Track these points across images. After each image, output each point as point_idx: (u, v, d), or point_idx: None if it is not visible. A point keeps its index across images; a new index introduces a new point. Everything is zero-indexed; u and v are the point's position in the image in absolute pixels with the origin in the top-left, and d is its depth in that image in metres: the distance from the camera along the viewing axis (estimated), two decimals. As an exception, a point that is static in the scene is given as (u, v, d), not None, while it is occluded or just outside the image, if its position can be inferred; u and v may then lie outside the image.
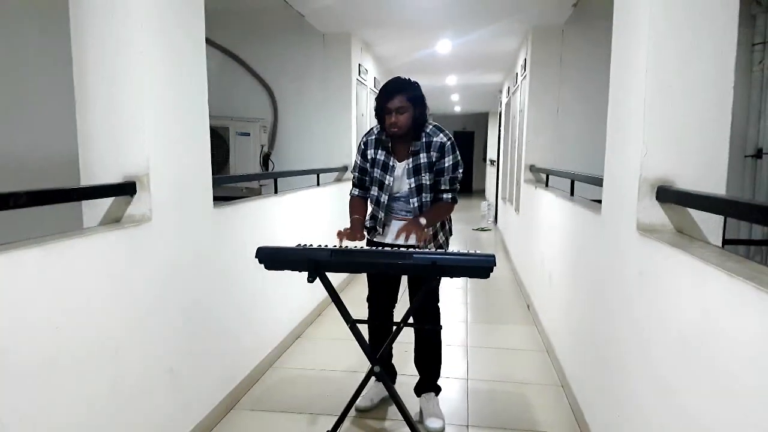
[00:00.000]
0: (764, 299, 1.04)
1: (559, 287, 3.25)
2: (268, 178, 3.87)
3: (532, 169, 5.00)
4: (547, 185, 4.27)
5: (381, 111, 2.41)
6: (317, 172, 4.39)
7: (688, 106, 1.73)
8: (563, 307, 3.15)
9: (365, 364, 3.15)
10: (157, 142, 2.02)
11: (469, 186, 17.18)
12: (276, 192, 3.51)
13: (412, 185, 2.47)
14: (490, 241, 8.32)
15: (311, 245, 2.12)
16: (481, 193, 15.91)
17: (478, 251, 2.01)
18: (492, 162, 12.02)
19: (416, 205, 2.48)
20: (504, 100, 8.41)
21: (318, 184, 4.36)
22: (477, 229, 9.29)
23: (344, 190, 5.12)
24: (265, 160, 5.50)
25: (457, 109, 13.87)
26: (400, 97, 2.35)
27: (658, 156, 1.77)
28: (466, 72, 7.86)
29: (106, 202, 1.96)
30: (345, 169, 5.24)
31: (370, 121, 6.45)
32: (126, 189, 1.91)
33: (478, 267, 1.93)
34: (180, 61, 2.18)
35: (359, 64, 5.56)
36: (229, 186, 4.53)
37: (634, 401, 1.77)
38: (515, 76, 6.42)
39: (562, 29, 4.85)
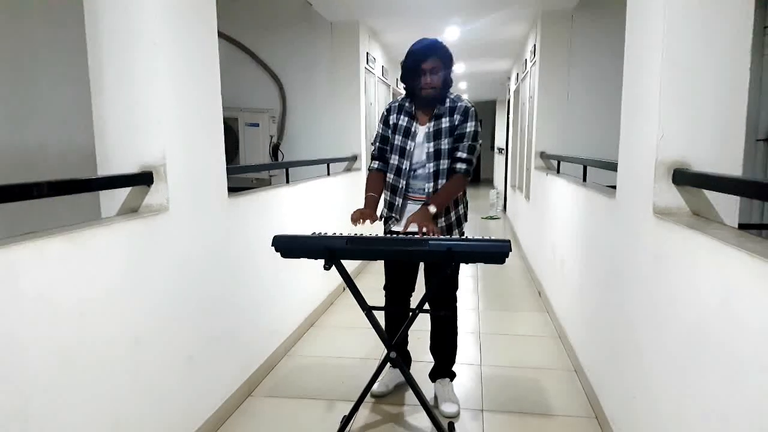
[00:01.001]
0: (786, 278, 1.04)
1: (572, 273, 3.26)
2: (279, 168, 3.89)
3: (543, 155, 4.98)
4: (558, 172, 4.26)
5: (413, 72, 2.40)
6: (327, 161, 4.39)
7: (704, 89, 1.72)
8: (575, 293, 3.15)
9: (379, 352, 3.19)
10: (173, 132, 2.04)
11: (477, 175, 17.13)
12: (288, 182, 3.53)
13: (430, 150, 2.45)
14: (499, 230, 8.31)
15: (326, 233, 2.13)
16: (489, 182, 15.87)
17: (492, 237, 2.01)
18: (500, 150, 11.98)
19: (432, 170, 2.45)
20: (512, 87, 8.36)
21: (328, 174, 4.37)
22: (486, 218, 9.28)
23: (355, 179, 5.17)
24: (275, 150, 5.52)
25: (465, 97, 13.75)
26: (433, 58, 2.37)
27: (675, 139, 1.76)
28: (474, 59, 7.81)
29: (123, 193, 1.98)
30: (355, 158, 5.24)
31: (379, 110, 6.44)
32: (144, 179, 1.93)
33: (494, 253, 1.94)
34: (194, 52, 2.19)
35: (367, 53, 5.55)
36: (238, 177, 4.55)
37: (649, 385, 1.78)
38: (524, 62, 6.37)
39: (571, 14, 4.81)
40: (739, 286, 1.23)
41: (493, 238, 2.00)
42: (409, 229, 2.27)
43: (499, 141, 12.60)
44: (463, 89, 11.86)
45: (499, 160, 12.50)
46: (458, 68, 8.61)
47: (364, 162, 5.35)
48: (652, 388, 1.76)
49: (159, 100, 1.97)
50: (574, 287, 3.21)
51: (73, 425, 1.55)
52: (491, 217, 9.30)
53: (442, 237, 2.08)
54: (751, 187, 1.55)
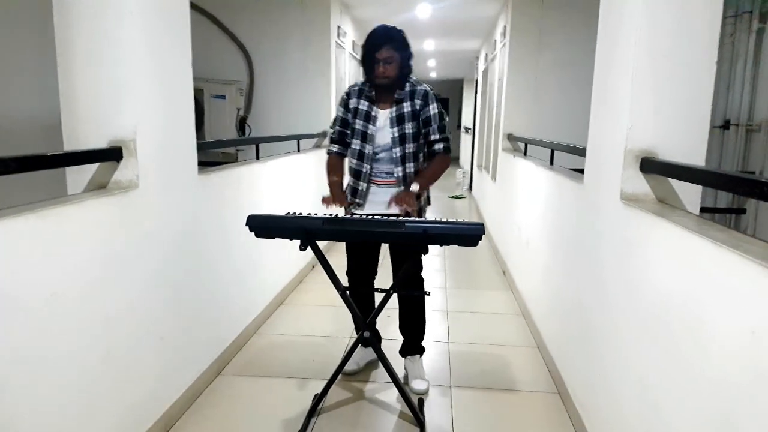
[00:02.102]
0: (748, 266, 1.10)
1: (537, 253, 3.35)
2: (250, 143, 3.82)
3: (510, 137, 5.05)
4: (525, 154, 4.33)
5: (368, 60, 2.40)
6: (298, 137, 4.35)
7: (673, 79, 1.78)
8: (540, 273, 3.25)
9: (348, 330, 3.23)
10: (145, 105, 1.98)
11: (442, 153, 17.15)
12: (258, 158, 3.48)
13: (395, 134, 2.47)
14: (465, 209, 8.43)
15: (301, 213, 2.13)
16: (455, 160, 15.98)
17: (465, 220, 2.05)
18: (467, 129, 12.06)
19: (399, 155, 2.48)
20: (481, 67, 8.39)
21: (298, 150, 4.33)
22: (452, 197, 9.38)
23: (324, 156, 5.10)
24: (242, 124, 5.41)
25: (433, 75, 13.77)
26: (387, 47, 2.36)
27: (643, 128, 1.82)
28: (443, 37, 7.80)
29: (90, 169, 1.93)
30: (324, 135, 5.19)
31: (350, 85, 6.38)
32: (113, 154, 1.88)
33: (468, 235, 1.98)
34: (165, 21, 2.12)
35: (338, 26, 5.46)
36: (205, 151, 4.46)
37: (614, 364, 1.86)
38: (493, 43, 6.40)
39: (542, -4, 4.84)
40: (705, 272, 1.30)
41: (466, 221, 2.04)
42: (392, 210, 2.29)
43: (466, 120, 12.68)
44: (431, 67, 11.84)
45: (465, 139, 12.59)
46: (428, 46, 8.57)
47: (333, 139, 5.30)
48: (616, 367, 1.84)
49: (130, 72, 1.90)
50: (538, 267, 3.31)
51: (45, 408, 1.53)
52: (457, 197, 9.41)
53: (418, 219, 2.11)
54: (714, 177, 1.62)
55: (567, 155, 3.14)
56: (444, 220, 2.05)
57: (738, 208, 3.55)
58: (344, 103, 2.56)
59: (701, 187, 1.83)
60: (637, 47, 1.77)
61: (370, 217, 2.28)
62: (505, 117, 5.11)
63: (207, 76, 5.22)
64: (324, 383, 2.38)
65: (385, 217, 2.12)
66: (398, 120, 2.46)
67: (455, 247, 2.23)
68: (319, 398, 2.34)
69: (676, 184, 1.82)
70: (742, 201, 3.56)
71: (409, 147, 2.48)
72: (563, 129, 4.65)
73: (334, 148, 2.61)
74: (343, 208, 2.50)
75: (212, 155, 5.09)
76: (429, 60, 10.60)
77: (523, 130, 4.93)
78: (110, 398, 1.84)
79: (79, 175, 1.95)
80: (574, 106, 4.73)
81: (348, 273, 2.68)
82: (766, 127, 3.42)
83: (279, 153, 3.92)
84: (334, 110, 5.34)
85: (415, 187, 2.37)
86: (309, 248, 2.11)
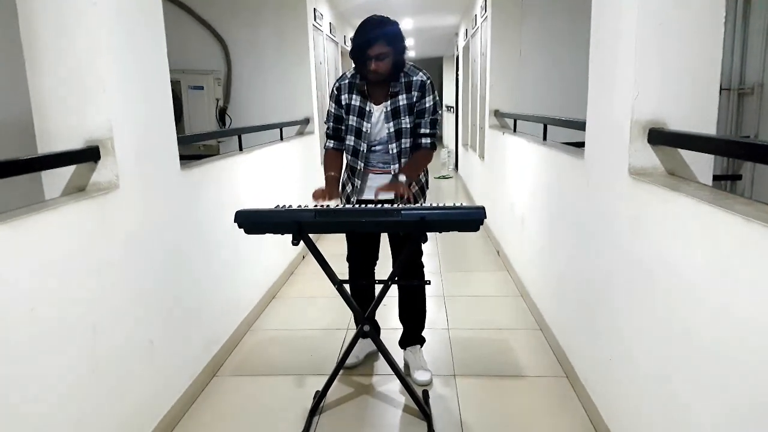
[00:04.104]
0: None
1: (533, 233, 3.27)
2: (232, 134, 3.68)
3: (497, 114, 4.94)
4: (515, 131, 4.24)
5: (360, 56, 2.26)
6: (280, 126, 4.20)
7: (679, 45, 1.69)
8: (538, 252, 3.18)
9: (344, 322, 3.14)
10: (120, 101, 1.85)
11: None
12: (241, 149, 3.35)
13: (391, 130, 2.37)
14: (451, 189, 8.35)
15: (291, 206, 2.02)
16: (439, 140, 15.86)
17: (464, 204, 1.96)
18: (449, 108, 11.93)
19: (395, 151, 2.38)
20: (461, 43, 8.25)
21: (281, 139, 4.19)
22: (438, 177, 9.29)
23: (309, 143, 4.99)
24: (221, 114, 5.25)
25: (412, 54, 13.59)
26: (380, 43, 2.21)
27: (650, 97, 1.73)
28: (421, 14, 7.64)
29: (67, 171, 1.79)
30: (307, 121, 5.05)
31: (329, 70, 6.22)
32: (90, 155, 1.74)
33: (468, 220, 1.89)
34: (137, 11, 1.98)
35: (314, 9, 5.29)
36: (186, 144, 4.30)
37: (628, 347, 1.79)
38: (473, 18, 6.26)
39: (524, -32, 4.71)
40: (728, 247, 1.22)
41: (465, 205, 1.94)
42: (381, 197, 2.18)
43: (448, 99, 12.53)
44: (410, 45, 11.66)
45: (448, 118, 12.46)
46: (406, 24, 8.40)
47: (317, 125, 5.17)
48: (631, 350, 1.77)
49: (102, 67, 1.76)
50: (535, 246, 3.23)
51: (34, 422, 1.42)
52: (444, 177, 9.32)
53: (415, 206, 2.00)
54: (728, 145, 1.54)
55: (559, 130, 3.05)
56: (442, 205, 1.95)
57: (734, 174, 3.50)
58: (336, 99, 2.43)
59: (712, 157, 1.75)
60: (640, 10, 1.67)
61: (365, 206, 2.18)
62: (490, 93, 4.99)
63: (183, 67, 5.03)
64: (323, 378, 2.30)
65: (380, 206, 2.02)
66: (394, 114, 2.35)
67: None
68: (320, 396, 2.25)
69: (685, 154, 1.74)
70: (737, 167, 3.51)
71: (406, 142, 2.39)
72: (552, 103, 4.56)
73: (331, 143, 2.50)
74: (335, 202, 2.39)
75: (193, 148, 4.93)
76: (407, 39, 10.42)
77: (509, 106, 4.83)
78: (102, 412, 1.73)
79: (56, 180, 1.82)
80: (563, 79, 4.64)
81: (348, 259, 2.60)
82: (759, 90, 3.36)
83: (262, 143, 3.78)
84: (315, 96, 5.20)
85: (402, 177, 2.27)
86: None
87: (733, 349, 1.20)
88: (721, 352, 1.25)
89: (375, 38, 2.21)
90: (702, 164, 1.74)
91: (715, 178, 3.57)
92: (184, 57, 5.07)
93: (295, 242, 1.94)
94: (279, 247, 3.74)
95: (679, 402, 1.45)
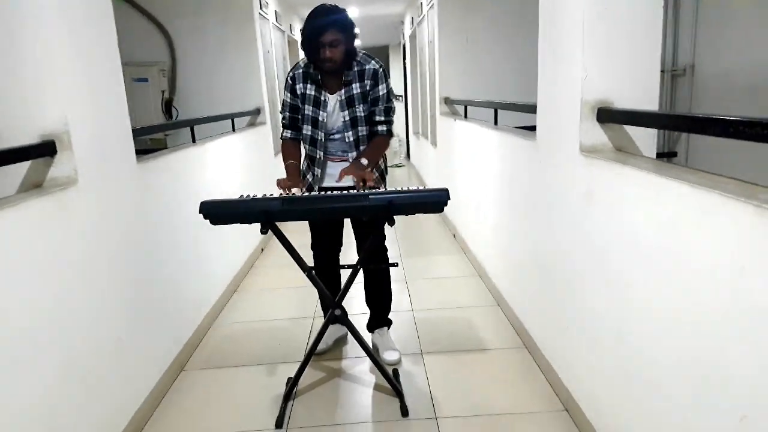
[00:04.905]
0: (727, 204, 1.13)
1: (488, 214, 3.39)
2: (184, 126, 3.61)
3: (448, 101, 5.04)
4: (465, 117, 4.34)
5: (312, 45, 2.27)
6: (232, 116, 4.15)
7: (624, 29, 1.80)
8: (493, 233, 3.29)
9: (308, 310, 3.17)
10: (74, 93, 1.80)
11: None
12: (194, 141, 3.30)
13: (347, 118, 2.39)
14: (404, 177, 8.44)
15: (255, 196, 2.02)
16: (387, 128, 15.92)
17: (428, 186, 2.02)
18: (397, 97, 12.00)
19: (352, 139, 2.41)
20: (407, 32, 8.31)
21: (234, 130, 4.14)
22: (391, 166, 9.35)
23: (261, 134, 4.94)
24: (168, 106, 5.11)
25: (357, 42, 13.56)
26: (333, 30, 2.22)
27: (597, 78, 1.83)
28: (367, 3, 7.63)
29: (22, 168, 1.74)
30: (258, 111, 4.99)
31: (276, 59, 6.15)
32: (46, 149, 1.70)
33: (434, 202, 1.96)
34: (84, 3, 1.92)
35: (260, -3, 5.21)
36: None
37: (584, 316, 1.91)
38: (419, 5, 6.33)
39: (468, -45, 4.79)
40: (679, 214, 1.33)
41: (429, 187, 2.01)
42: (343, 183, 2.22)
43: (396, 88, 12.59)
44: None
45: (397, 106, 12.52)
46: (352, 13, 8.35)
47: (268, 115, 5.12)
48: (586, 316, 1.89)
49: (54, 59, 1.71)
50: (490, 227, 3.35)
51: (5, 426, 1.39)
52: (396, 165, 9.40)
53: (382, 191, 2.05)
54: (671, 120, 1.67)
55: (510, 115, 3.16)
56: (407, 189, 2.00)
57: (669, 151, 3.72)
58: (291, 89, 2.43)
59: (655, 133, 1.88)
60: (586, -1, 1.77)
61: (331, 192, 2.21)
62: (440, 81, 5.08)
63: (126, 59, 4.83)
64: (293, 366, 2.33)
65: (347, 192, 2.06)
66: (348, 102, 2.38)
67: (402, 216, 2.20)
68: (293, 382, 2.28)
69: (631, 131, 1.86)
70: (672, 145, 3.73)
71: (362, 130, 2.42)
72: (501, 88, 4.69)
73: (288, 133, 2.51)
74: (299, 190, 2.40)
75: (141, 143, 4.78)
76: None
77: (459, 93, 4.94)
78: (73, 409, 1.71)
79: (10, 177, 1.75)
80: (511, 64, 4.77)
81: (313, 247, 2.62)
82: (690, 71, 3.58)
83: (213, 134, 3.73)
84: (265, 85, 5.14)
85: (364, 161, 2.31)
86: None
87: (682, 303, 1.32)
88: (672, 306, 1.36)
89: (327, 25, 2.22)
90: (647, 140, 1.86)
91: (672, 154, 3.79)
92: (126, 49, 4.85)
93: (263, 231, 1.95)
94: (239, 240, 3.71)
95: (633, 357, 1.57)
